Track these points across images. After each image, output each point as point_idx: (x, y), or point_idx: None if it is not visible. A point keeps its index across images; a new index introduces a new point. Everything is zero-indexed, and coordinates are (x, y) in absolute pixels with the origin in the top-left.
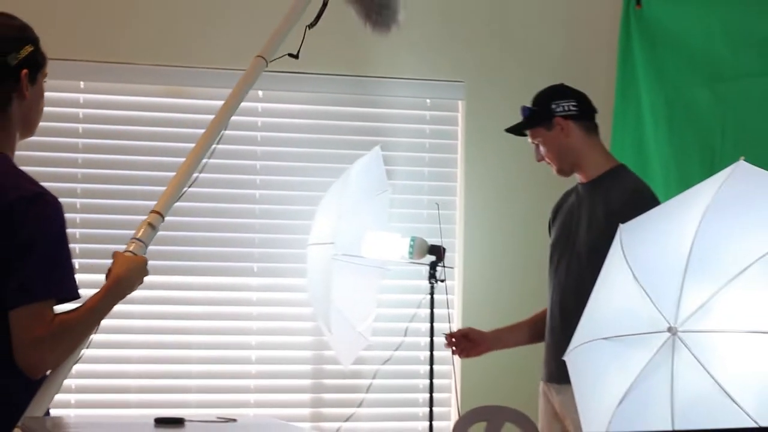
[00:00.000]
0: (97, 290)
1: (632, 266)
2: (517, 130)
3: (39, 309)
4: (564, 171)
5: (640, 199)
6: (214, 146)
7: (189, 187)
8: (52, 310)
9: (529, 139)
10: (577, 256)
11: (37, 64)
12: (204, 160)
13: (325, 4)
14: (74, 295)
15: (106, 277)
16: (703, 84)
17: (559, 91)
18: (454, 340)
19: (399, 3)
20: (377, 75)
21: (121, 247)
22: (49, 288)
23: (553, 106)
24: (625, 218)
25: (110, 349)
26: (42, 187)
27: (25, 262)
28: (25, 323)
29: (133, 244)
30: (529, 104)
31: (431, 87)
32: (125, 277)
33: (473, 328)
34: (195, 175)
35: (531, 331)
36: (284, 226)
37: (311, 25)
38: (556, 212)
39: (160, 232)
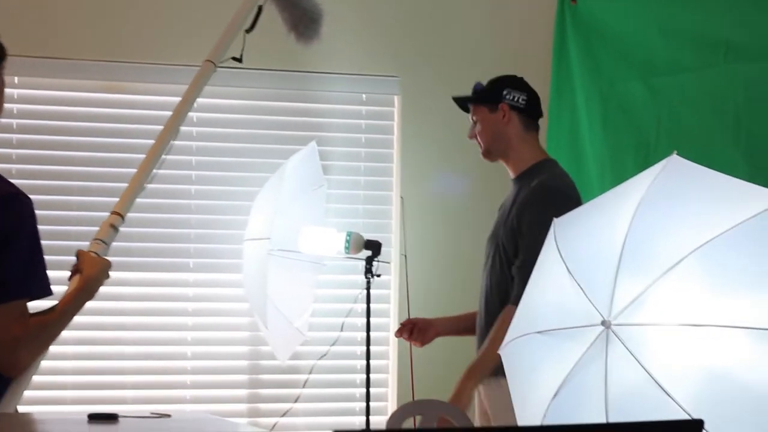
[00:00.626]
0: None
1: (566, 260)
2: (462, 102)
3: (17, 308)
4: (490, 154)
5: (546, 199)
6: (163, 156)
7: (143, 191)
8: (27, 308)
9: (470, 115)
10: (498, 252)
11: None
12: (154, 171)
13: (260, 10)
14: (48, 292)
15: (71, 276)
16: (637, 79)
17: (516, 82)
18: (405, 329)
19: (323, 19)
20: (312, 70)
21: (54, 244)
22: (26, 286)
23: (504, 92)
24: (530, 217)
25: None
26: (15, 187)
27: (1, 262)
28: (3, 322)
29: (96, 244)
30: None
31: (367, 82)
32: (95, 278)
33: (418, 317)
34: (150, 178)
35: (464, 325)
36: (220, 222)
37: (249, 30)
38: (497, 212)
39: (95, 228)
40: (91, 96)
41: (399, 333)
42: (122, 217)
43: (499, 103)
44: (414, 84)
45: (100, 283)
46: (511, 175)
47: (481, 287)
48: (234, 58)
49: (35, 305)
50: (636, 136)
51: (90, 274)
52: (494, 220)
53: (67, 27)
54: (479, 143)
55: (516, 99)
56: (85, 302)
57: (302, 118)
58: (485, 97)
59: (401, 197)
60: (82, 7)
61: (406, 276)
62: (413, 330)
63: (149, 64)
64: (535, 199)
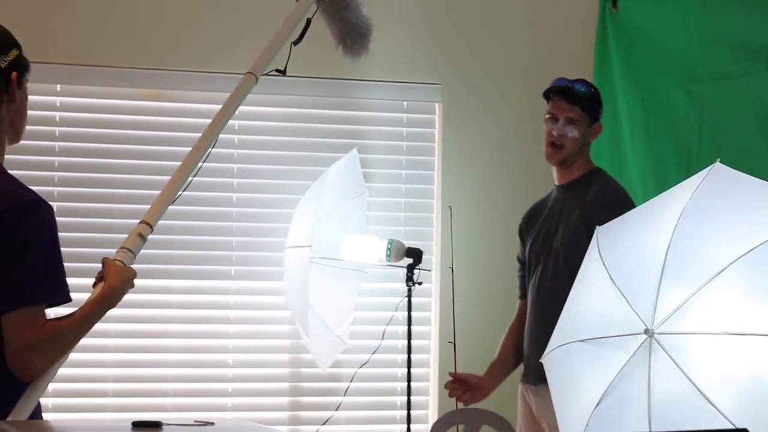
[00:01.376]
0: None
1: (609, 268)
2: (574, 97)
3: (32, 313)
4: (564, 159)
5: (615, 201)
6: (200, 164)
7: (175, 200)
8: (44, 314)
9: (560, 110)
10: (554, 257)
11: (23, 67)
12: (190, 178)
13: (308, 22)
14: (66, 299)
15: (95, 283)
16: (679, 86)
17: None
18: (454, 385)
19: (372, 33)
20: (354, 77)
21: (97, 251)
22: (43, 292)
23: (600, 111)
24: (600, 219)
25: (87, 352)
26: (36, 194)
27: (19, 267)
28: (18, 327)
29: (122, 253)
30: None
31: (408, 89)
32: (119, 288)
33: (472, 375)
34: (182, 189)
35: (516, 352)
36: (262, 230)
37: (296, 42)
38: (529, 219)
39: None
40: (132, 104)
41: (453, 393)
42: (151, 226)
43: (597, 122)
44: (455, 91)
45: (124, 292)
46: (559, 181)
47: (533, 296)
48: (278, 70)
49: (58, 312)
50: (678, 143)
51: (113, 284)
52: (533, 228)
53: (109, 35)
54: (558, 143)
55: (600, 119)
56: (106, 311)
57: (343, 126)
58: (592, 108)
59: (449, 207)
60: (123, 16)
61: (453, 289)
62: (466, 389)
63: (190, 72)
64: (604, 200)
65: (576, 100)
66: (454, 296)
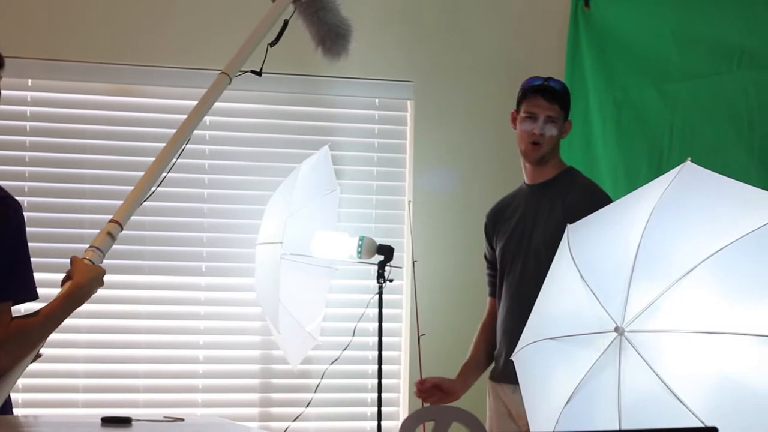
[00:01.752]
0: (55, 292)
1: (579, 266)
2: (553, 95)
3: None
4: (543, 156)
5: (599, 199)
6: (174, 160)
7: (146, 200)
8: (9, 312)
9: (540, 109)
10: (534, 255)
11: None
12: (163, 174)
13: (285, 24)
14: (33, 297)
15: (63, 281)
16: (651, 85)
17: None
18: (423, 388)
19: (352, 34)
20: (326, 74)
21: (68, 247)
22: (8, 289)
23: (570, 108)
24: (584, 214)
25: (57, 348)
26: (3, 190)
27: None
28: None
29: (91, 252)
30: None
31: (380, 87)
32: (85, 286)
33: (444, 378)
34: (153, 188)
35: (489, 351)
36: (233, 226)
37: (272, 44)
38: (496, 218)
39: None
40: (104, 99)
41: (421, 394)
42: (121, 225)
43: (567, 119)
44: (427, 89)
45: (91, 291)
46: (532, 180)
47: (511, 295)
48: (253, 71)
49: (29, 307)
50: (649, 142)
51: (80, 282)
52: (504, 227)
53: (80, 30)
54: (537, 141)
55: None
56: (72, 309)
57: (315, 123)
58: (568, 106)
59: (408, 201)
60: (95, 11)
61: (414, 282)
62: (431, 390)
63: (161, 68)
64: (589, 200)
65: (555, 98)
66: (418, 290)
